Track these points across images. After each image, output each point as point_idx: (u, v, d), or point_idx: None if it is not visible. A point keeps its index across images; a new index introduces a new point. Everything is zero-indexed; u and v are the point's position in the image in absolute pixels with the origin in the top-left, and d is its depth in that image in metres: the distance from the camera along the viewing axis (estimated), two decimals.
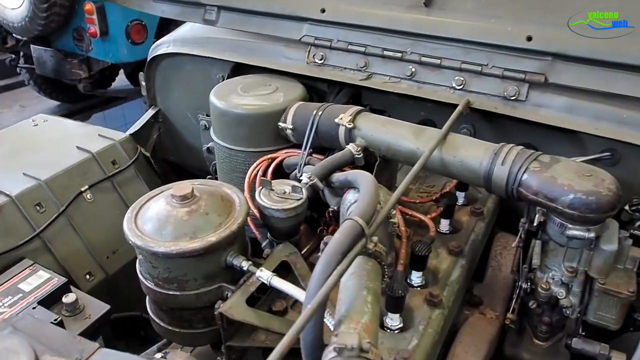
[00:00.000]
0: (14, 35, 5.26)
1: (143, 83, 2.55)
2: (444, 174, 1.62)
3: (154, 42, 2.55)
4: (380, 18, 1.89)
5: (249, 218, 1.44)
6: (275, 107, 1.82)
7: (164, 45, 2.40)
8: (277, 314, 1.35)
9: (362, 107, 1.74)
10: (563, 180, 1.34)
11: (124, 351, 1.13)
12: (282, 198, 1.44)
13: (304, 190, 1.45)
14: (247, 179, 1.69)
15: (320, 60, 2.00)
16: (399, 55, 1.87)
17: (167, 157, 2.68)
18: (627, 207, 1.58)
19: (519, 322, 1.61)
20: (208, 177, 2.19)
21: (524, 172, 1.39)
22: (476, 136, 1.88)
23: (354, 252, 1.04)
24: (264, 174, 1.71)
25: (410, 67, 1.86)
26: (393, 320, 1.34)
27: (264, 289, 1.36)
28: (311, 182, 1.50)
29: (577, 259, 1.43)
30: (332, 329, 1.00)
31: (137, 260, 1.41)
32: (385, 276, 1.19)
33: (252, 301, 1.33)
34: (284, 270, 1.40)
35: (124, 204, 2.20)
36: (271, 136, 1.83)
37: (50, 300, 1.65)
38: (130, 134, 2.44)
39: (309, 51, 2.02)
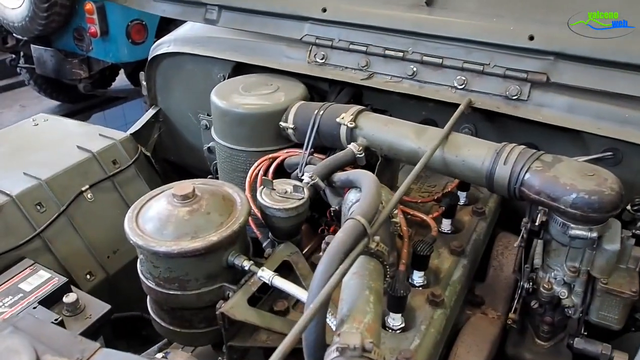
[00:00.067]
0: (14, 35, 5.25)
1: (144, 83, 2.55)
2: (445, 174, 1.62)
3: (155, 41, 2.55)
4: (381, 17, 1.89)
5: (250, 218, 1.44)
6: (277, 107, 1.82)
7: (165, 45, 2.39)
8: (278, 314, 1.34)
9: (363, 107, 1.74)
10: (565, 179, 1.34)
11: (125, 351, 1.13)
12: (283, 197, 1.44)
13: (305, 189, 1.45)
14: (248, 179, 1.68)
15: (322, 59, 2.00)
16: (400, 54, 1.86)
17: (167, 157, 2.67)
18: (629, 207, 1.58)
19: (521, 322, 1.60)
20: (209, 176, 2.19)
21: (526, 172, 1.39)
22: (478, 136, 1.88)
23: (356, 252, 1.03)
24: (265, 173, 1.71)
25: (412, 66, 1.86)
26: (395, 320, 1.34)
27: (266, 288, 1.36)
28: (312, 182, 1.50)
29: (579, 259, 1.43)
30: (334, 329, 1.00)
31: (138, 260, 1.41)
32: (387, 276, 1.18)
33: (253, 301, 1.33)
34: (285, 270, 1.39)
35: (124, 204, 2.20)
36: (272, 136, 1.83)
37: (51, 300, 1.65)
38: (131, 134, 2.43)
39: (310, 50, 2.02)
